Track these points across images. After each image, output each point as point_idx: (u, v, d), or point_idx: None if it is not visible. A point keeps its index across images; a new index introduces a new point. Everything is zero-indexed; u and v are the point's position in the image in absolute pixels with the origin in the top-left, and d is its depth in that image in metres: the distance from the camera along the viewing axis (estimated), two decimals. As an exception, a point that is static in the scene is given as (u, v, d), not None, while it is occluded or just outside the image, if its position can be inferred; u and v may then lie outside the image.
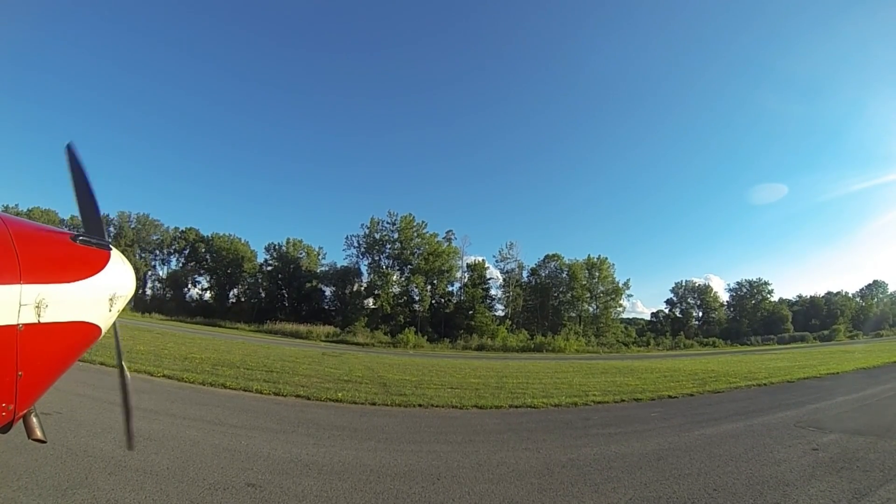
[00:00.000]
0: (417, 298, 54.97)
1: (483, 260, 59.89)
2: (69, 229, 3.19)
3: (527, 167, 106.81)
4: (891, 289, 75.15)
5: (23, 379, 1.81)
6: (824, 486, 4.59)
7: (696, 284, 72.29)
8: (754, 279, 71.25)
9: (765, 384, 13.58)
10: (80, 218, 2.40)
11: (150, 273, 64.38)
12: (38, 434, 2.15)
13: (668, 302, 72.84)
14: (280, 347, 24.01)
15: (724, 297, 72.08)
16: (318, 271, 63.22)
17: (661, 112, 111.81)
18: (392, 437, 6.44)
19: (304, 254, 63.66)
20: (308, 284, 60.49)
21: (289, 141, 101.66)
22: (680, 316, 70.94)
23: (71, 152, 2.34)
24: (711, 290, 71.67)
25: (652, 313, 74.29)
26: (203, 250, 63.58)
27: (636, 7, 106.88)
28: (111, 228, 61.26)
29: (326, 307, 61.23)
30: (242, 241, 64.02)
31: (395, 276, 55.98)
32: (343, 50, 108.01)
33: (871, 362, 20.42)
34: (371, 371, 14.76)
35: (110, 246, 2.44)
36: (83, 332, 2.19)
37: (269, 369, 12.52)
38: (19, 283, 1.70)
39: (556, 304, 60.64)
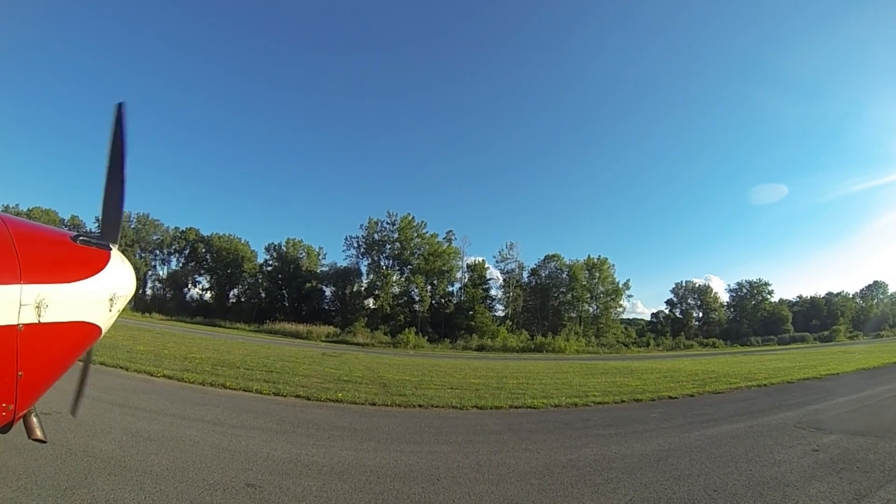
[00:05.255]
0: (417, 299, 54.99)
1: (483, 260, 59.99)
2: (69, 229, 3.19)
3: (527, 167, 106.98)
4: (891, 289, 75.30)
5: (23, 379, 1.81)
6: (824, 487, 4.59)
7: (697, 285, 72.40)
8: (754, 280, 71.38)
9: (765, 385, 13.58)
10: (101, 213, 2.36)
11: (150, 273, 64.41)
12: (38, 434, 2.15)
13: (669, 302, 72.94)
14: (280, 347, 24.01)
15: (725, 297, 72.22)
16: (318, 271, 63.25)
17: (661, 112, 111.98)
18: (392, 437, 6.44)
19: (304, 254, 63.70)
20: (308, 284, 60.48)
21: (289, 141, 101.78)
22: (680, 316, 70.95)
23: (119, 115, 2.26)
24: (711, 290, 71.79)
25: (652, 314, 74.41)
26: (203, 250, 63.60)
27: (636, 7, 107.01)
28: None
29: (326, 307, 61.23)
30: (242, 241, 64.15)
31: (394, 277, 56.00)
32: (343, 50, 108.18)
33: (871, 363, 20.42)
34: (371, 371, 14.76)
35: (110, 246, 2.44)
36: (83, 333, 2.19)
37: (268, 369, 12.52)
38: (19, 283, 1.70)
39: (556, 304, 60.64)
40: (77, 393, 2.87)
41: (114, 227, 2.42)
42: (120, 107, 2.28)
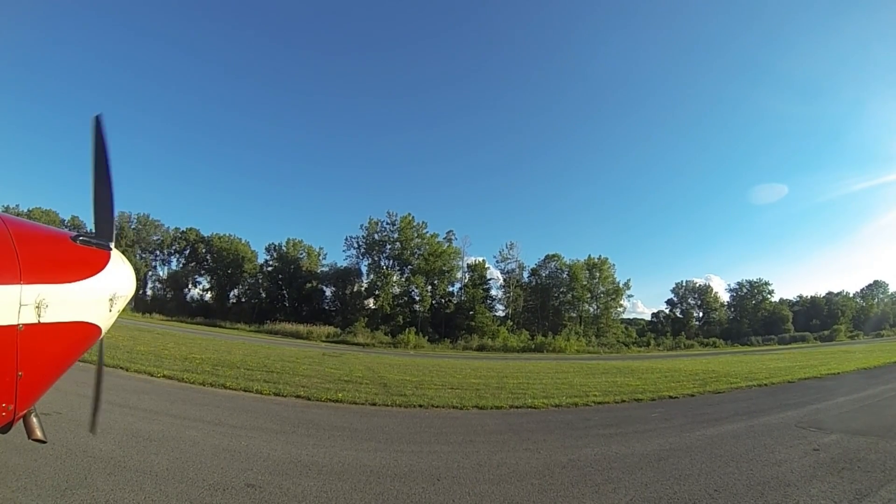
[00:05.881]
0: (418, 299, 55.00)
1: (483, 260, 59.96)
2: (69, 229, 3.19)
3: (527, 167, 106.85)
4: (891, 289, 75.20)
5: (23, 379, 1.81)
6: (825, 486, 4.58)
7: (697, 285, 72.34)
8: (755, 279, 71.27)
9: (765, 384, 13.57)
10: (93, 213, 2.37)
11: (150, 273, 64.42)
12: (38, 434, 2.15)
13: (669, 302, 72.90)
14: (280, 348, 24.01)
15: (725, 297, 72.13)
16: (319, 272, 63.23)
17: (661, 112, 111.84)
18: (392, 437, 6.43)
19: (304, 254, 63.70)
20: (308, 285, 60.48)
21: (289, 141, 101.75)
22: (680, 316, 70.90)
23: (98, 125, 2.28)
24: (712, 290, 71.73)
25: (652, 313, 74.38)
26: (203, 250, 63.62)
27: (636, 7, 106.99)
28: (112, 229, 61.22)
29: (327, 307, 61.22)
30: (243, 242, 64.13)
31: (395, 277, 56.01)
32: (343, 50, 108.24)
33: (872, 362, 20.40)
34: (371, 371, 14.76)
35: (110, 246, 2.43)
36: (83, 333, 2.19)
37: (269, 370, 12.52)
38: (19, 283, 1.70)
39: (556, 304, 60.63)
40: (93, 407, 2.83)
41: (108, 226, 2.42)
42: (98, 118, 2.30)
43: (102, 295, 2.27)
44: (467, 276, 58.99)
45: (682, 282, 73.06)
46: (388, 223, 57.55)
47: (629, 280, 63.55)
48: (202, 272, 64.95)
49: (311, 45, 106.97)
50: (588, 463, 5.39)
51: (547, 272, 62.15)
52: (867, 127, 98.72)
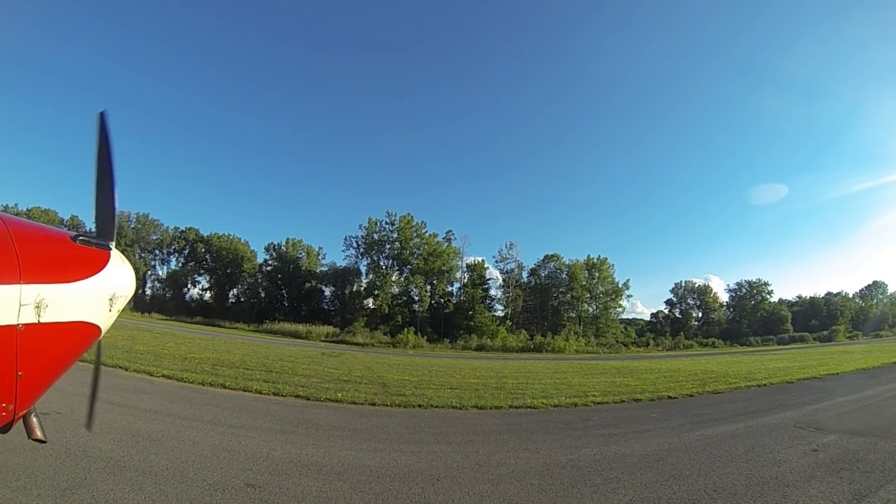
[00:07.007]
0: (417, 298, 55.00)
1: (483, 260, 59.97)
2: (69, 229, 3.18)
3: (527, 167, 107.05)
4: (890, 289, 75.42)
5: (23, 379, 1.81)
6: (824, 486, 4.59)
7: (696, 285, 72.47)
8: (754, 279, 71.44)
9: (764, 385, 13.59)
10: (94, 211, 2.33)
11: (149, 273, 64.34)
12: (38, 434, 2.14)
13: (668, 302, 73.02)
14: (279, 347, 24.00)
15: (724, 297, 72.31)
16: (318, 271, 63.24)
17: (661, 112, 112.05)
18: (392, 437, 6.44)
19: (303, 254, 63.69)
20: (307, 284, 60.46)
21: (289, 141, 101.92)
22: (679, 316, 70.98)
23: (103, 122, 2.24)
24: (711, 290, 71.86)
25: (651, 314, 74.52)
26: (203, 250, 63.57)
27: (636, 7, 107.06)
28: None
29: (326, 307, 61.22)
30: (242, 241, 64.13)
31: (394, 277, 56.01)
32: (343, 50, 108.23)
33: (871, 363, 20.43)
34: (370, 371, 14.75)
35: (110, 246, 2.43)
36: (83, 333, 2.19)
37: (268, 369, 12.51)
38: (19, 283, 1.70)
39: (555, 304, 60.67)
40: (90, 404, 2.84)
41: (109, 226, 2.42)
42: (103, 115, 2.27)
43: (102, 295, 2.27)
44: (466, 276, 59.07)
45: (681, 282, 73.29)
46: (387, 223, 57.63)
47: (628, 280, 63.75)
48: (201, 272, 64.96)
49: (312, 45, 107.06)
50: (587, 463, 5.40)
51: (546, 272, 62.28)
52: (867, 127, 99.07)
